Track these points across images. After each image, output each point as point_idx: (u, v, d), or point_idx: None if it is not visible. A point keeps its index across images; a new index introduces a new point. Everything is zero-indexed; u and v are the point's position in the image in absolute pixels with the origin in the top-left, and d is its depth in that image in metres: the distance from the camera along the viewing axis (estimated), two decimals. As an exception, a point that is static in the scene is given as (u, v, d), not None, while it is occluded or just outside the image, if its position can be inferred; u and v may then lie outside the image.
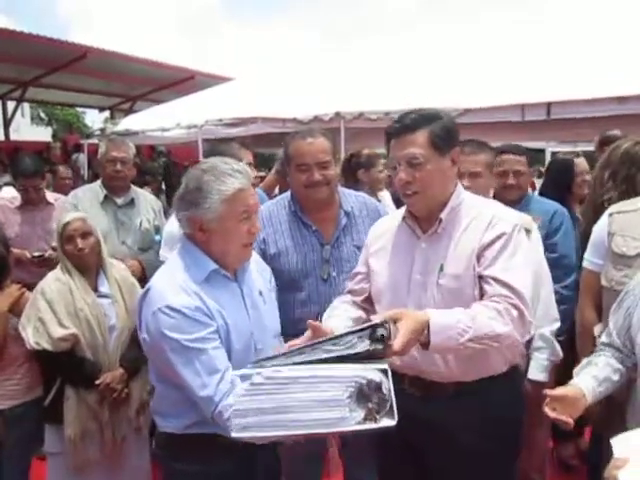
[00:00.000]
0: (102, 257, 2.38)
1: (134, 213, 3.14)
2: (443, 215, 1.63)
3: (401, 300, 1.62)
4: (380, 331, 1.21)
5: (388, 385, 1.17)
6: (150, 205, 3.25)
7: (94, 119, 17.42)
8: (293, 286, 2.06)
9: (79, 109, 19.62)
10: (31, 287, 2.39)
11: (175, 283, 1.52)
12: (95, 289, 2.34)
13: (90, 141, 7.93)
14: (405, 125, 1.59)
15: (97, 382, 2.25)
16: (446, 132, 1.59)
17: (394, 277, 1.67)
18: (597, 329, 1.81)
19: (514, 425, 1.72)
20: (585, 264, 2.07)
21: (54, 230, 3.00)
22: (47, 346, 2.21)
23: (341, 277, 2.08)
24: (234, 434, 1.22)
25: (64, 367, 2.27)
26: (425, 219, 1.66)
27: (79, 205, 3.02)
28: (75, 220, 2.33)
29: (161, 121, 6.79)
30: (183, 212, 1.57)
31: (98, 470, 2.31)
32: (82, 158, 8.52)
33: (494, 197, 2.41)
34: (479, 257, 1.56)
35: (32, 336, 2.22)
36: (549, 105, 4.37)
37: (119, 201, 3.13)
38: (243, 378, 1.25)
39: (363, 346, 1.19)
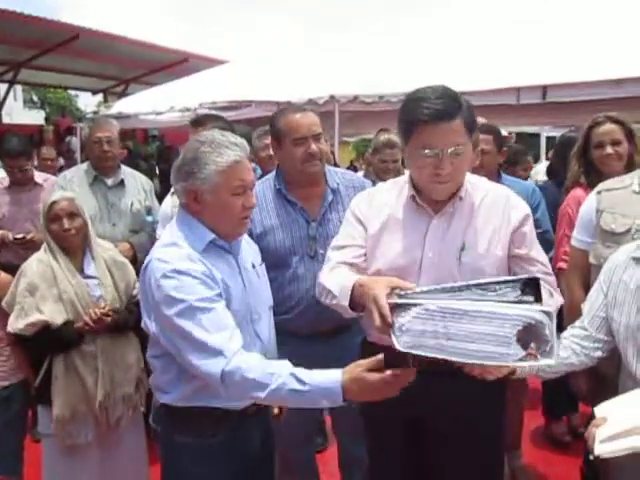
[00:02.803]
0: (89, 238, 2.34)
1: (124, 194, 3.11)
2: (462, 194, 1.62)
3: (413, 281, 1.56)
4: (532, 285, 1.27)
5: (551, 326, 1.22)
6: (141, 185, 3.22)
7: (87, 102, 17.23)
8: (280, 264, 2.06)
9: (72, 92, 19.41)
10: (17, 269, 2.35)
11: (178, 251, 1.52)
12: (81, 270, 2.30)
13: (83, 124, 7.86)
14: (444, 111, 1.48)
15: (77, 325, 2.20)
16: (472, 114, 1.56)
17: (403, 257, 1.62)
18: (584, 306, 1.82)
19: (502, 391, 1.77)
20: (573, 242, 2.09)
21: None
22: (20, 331, 2.18)
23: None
24: (400, 348, 1.25)
25: (43, 344, 2.23)
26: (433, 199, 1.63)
27: (67, 187, 2.99)
28: (62, 199, 2.28)
29: (155, 104, 6.73)
30: (180, 183, 1.57)
31: (93, 451, 2.30)
32: (75, 141, 8.46)
33: None
34: (513, 238, 1.61)
35: (13, 319, 2.21)
36: (545, 88, 4.33)
37: (109, 182, 3.10)
38: (402, 307, 1.28)
39: (514, 296, 1.25)
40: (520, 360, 1.22)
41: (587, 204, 2.02)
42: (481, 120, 3.57)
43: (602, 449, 1.16)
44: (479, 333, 1.22)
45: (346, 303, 1.49)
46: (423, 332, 1.24)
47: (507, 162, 3.78)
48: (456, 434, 1.66)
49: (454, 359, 1.24)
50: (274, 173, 2.22)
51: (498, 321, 1.21)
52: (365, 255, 1.67)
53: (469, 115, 1.53)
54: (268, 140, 3.28)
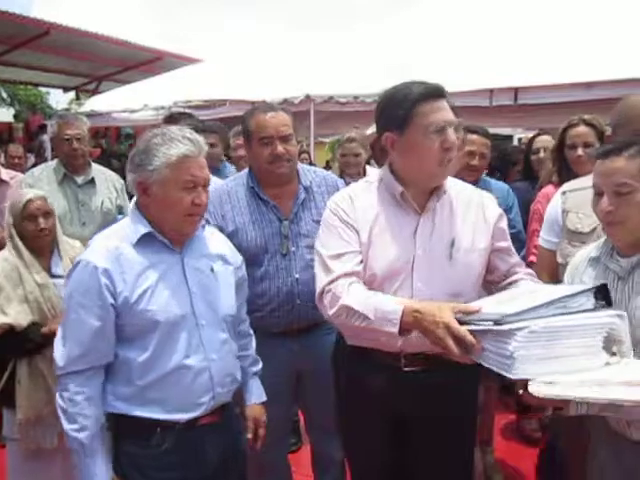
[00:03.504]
0: (57, 237, 2.29)
1: (95, 192, 3.05)
2: (446, 188, 1.64)
3: (406, 280, 1.59)
4: (602, 290, 1.31)
5: (625, 328, 1.29)
6: (112, 183, 3.15)
7: (59, 100, 16.86)
8: (253, 262, 2.05)
9: (43, 89, 18.97)
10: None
11: (104, 243, 1.53)
12: (49, 270, 2.25)
13: (52, 121, 7.69)
14: (442, 90, 1.56)
15: (44, 330, 2.14)
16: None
17: (398, 260, 1.59)
18: None
19: (476, 389, 1.81)
20: (540, 242, 2.11)
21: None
22: None
23: (300, 252, 2.09)
24: (513, 376, 1.23)
25: (7, 347, 2.15)
26: (421, 194, 1.63)
27: (36, 185, 2.91)
28: (37, 198, 2.23)
29: (128, 102, 6.64)
30: (130, 174, 1.55)
31: (58, 456, 2.23)
32: (46, 139, 8.27)
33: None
34: (495, 233, 1.67)
35: None
36: (516, 90, 4.41)
37: (79, 180, 3.03)
38: (505, 333, 1.24)
39: (591, 304, 1.30)
40: (606, 365, 1.26)
41: (552, 204, 2.05)
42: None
43: (538, 388, 1.19)
44: (577, 347, 1.24)
45: (395, 330, 1.43)
46: (530, 356, 1.22)
47: (509, 162, 3.85)
48: (434, 432, 1.66)
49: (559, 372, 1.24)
50: (247, 171, 2.20)
51: (591, 331, 1.25)
52: (362, 261, 1.62)
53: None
54: (240, 140, 3.27)
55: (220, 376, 1.58)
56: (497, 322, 1.26)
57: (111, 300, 1.47)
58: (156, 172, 1.49)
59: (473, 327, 1.30)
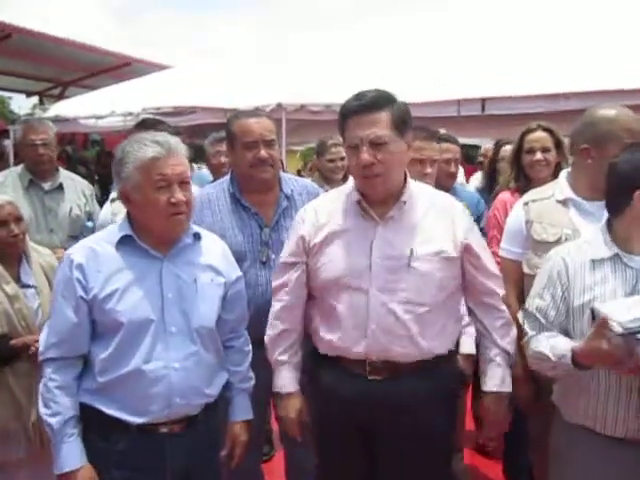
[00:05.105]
0: (26, 244, 2.23)
1: (63, 198, 2.99)
2: (405, 198, 1.64)
3: (362, 287, 1.59)
4: None
5: None
6: (81, 190, 3.10)
7: (21, 105, 16.45)
8: None
9: (5, 94, 18.49)
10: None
11: (87, 241, 1.62)
12: (17, 279, 2.18)
13: (17, 127, 7.48)
14: (367, 104, 1.56)
15: (13, 342, 2.08)
16: (405, 114, 1.61)
17: (352, 263, 1.60)
18: (520, 315, 1.76)
19: (455, 398, 1.80)
20: (502, 253, 2.08)
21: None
22: None
23: None
24: None
25: None
26: (381, 203, 1.63)
27: (0, 191, 2.84)
28: (7, 203, 2.17)
29: (95, 108, 6.51)
30: (117, 186, 1.60)
31: (24, 469, 2.17)
32: (8, 144, 8.05)
33: None
34: (466, 245, 1.65)
35: None
36: (484, 101, 4.51)
37: (46, 186, 2.97)
38: None
39: None
40: None
41: (514, 215, 2.05)
42: (442, 131, 3.69)
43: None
44: None
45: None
46: None
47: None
48: (406, 445, 1.64)
49: None
50: (228, 177, 2.20)
51: None
52: (301, 271, 1.72)
53: (399, 114, 1.58)
54: (220, 147, 3.25)
55: (181, 387, 1.56)
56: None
57: (82, 293, 1.52)
58: (130, 179, 1.53)
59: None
